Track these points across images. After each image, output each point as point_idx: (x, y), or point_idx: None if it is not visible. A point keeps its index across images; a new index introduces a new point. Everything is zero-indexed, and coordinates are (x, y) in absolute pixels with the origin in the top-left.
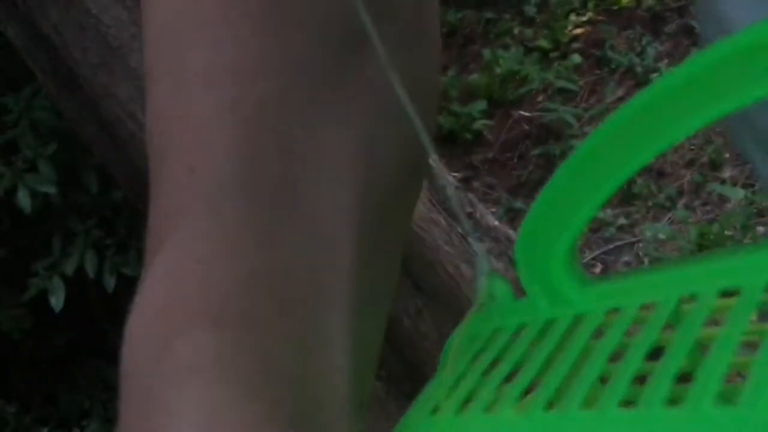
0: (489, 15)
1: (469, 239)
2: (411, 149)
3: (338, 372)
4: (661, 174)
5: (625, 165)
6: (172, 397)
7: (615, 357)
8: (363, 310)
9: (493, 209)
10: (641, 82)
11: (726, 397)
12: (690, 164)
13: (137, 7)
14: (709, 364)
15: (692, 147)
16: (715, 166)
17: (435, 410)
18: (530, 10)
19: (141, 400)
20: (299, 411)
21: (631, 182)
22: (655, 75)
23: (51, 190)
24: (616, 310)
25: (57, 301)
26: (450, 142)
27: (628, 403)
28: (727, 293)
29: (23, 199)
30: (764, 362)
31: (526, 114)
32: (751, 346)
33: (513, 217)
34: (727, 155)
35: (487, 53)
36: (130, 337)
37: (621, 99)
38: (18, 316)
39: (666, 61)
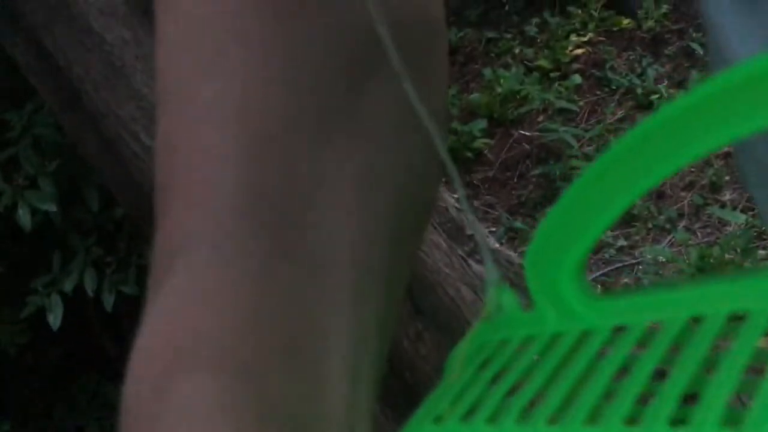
0: (490, 34)
1: (480, 249)
2: (417, 180)
3: (337, 414)
4: (661, 196)
5: (638, 182)
6: None
7: (620, 375)
8: (364, 345)
9: (493, 228)
10: (641, 103)
11: (730, 421)
12: (690, 186)
13: (141, 28)
14: (714, 386)
15: (692, 169)
16: (715, 188)
17: (438, 419)
18: (531, 30)
19: None
20: None
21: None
22: (655, 96)
23: (51, 207)
24: (623, 327)
25: (55, 319)
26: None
27: (631, 421)
28: (735, 317)
29: (23, 217)
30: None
31: (527, 133)
32: (756, 371)
33: (513, 237)
34: (727, 178)
35: (488, 72)
36: (131, 376)
37: (621, 120)
38: (16, 332)
39: (666, 82)
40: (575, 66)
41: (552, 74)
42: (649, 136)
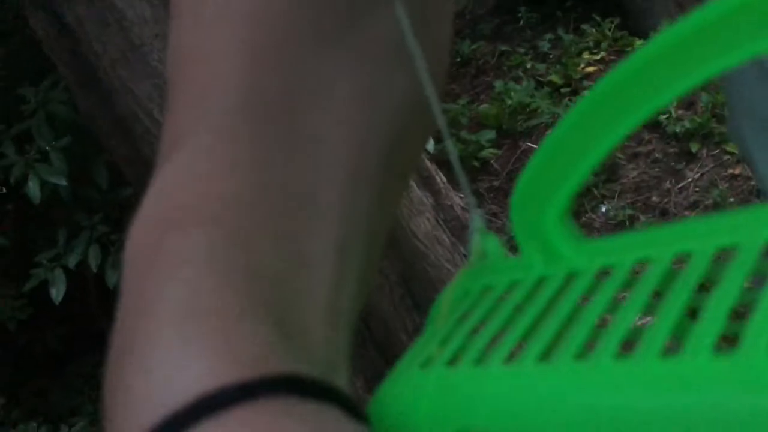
0: (503, 48)
1: (464, 197)
2: (417, 102)
3: (320, 285)
4: (664, 214)
5: (625, 119)
6: (162, 283)
7: (608, 313)
8: (353, 240)
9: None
10: (650, 121)
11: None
12: (694, 206)
13: (161, 5)
14: (705, 320)
15: (696, 189)
16: (719, 209)
17: (425, 364)
18: (544, 45)
19: (135, 289)
20: (277, 309)
21: (634, 220)
22: (663, 116)
23: (61, 181)
24: (610, 267)
25: (57, 293)
26: None
27: (620, 356)
28: (724, 250)
29: (33, 189)
30: (761, 317)
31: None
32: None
33: (515, 245)
34: (731, 199)
35: (499, 84)
36: (130, 241)
37: (629, 138)
38: (17, 307)
39: (676, 102)
40: (586, 83)
41: (563, 90)
42: (632, 73)
